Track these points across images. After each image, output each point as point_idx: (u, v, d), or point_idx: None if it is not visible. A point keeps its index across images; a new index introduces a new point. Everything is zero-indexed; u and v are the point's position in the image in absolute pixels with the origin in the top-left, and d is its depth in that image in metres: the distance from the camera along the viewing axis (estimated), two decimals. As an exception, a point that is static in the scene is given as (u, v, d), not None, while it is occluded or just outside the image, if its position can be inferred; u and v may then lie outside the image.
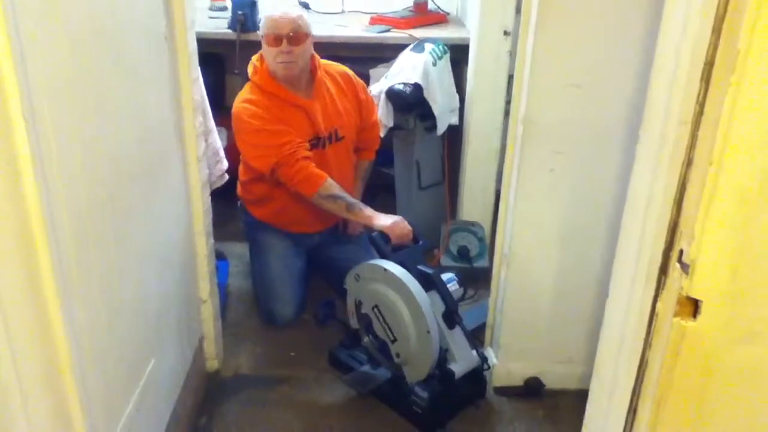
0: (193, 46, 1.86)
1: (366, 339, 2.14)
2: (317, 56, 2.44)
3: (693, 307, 0.93)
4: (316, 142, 2.39)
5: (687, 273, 0.91)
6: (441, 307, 2.01)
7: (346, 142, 2.50)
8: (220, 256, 2.41)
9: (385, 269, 2.03)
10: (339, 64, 2.53)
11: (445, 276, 2.09)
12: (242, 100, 2.35)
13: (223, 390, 2.17)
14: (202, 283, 2.08)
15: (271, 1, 3.13)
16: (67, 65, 1.12)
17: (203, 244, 2.03)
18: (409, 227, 2.25)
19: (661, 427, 1.03)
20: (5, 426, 0.96)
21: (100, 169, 1.27)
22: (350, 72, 2.53)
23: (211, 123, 2.23)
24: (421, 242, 2.26)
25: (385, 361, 2.10)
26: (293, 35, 2.29)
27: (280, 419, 2.07)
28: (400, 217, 2.29)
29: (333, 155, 2.45)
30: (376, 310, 2.07)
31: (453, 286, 2.08)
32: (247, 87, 2.39)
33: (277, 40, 2.28)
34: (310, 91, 2.39)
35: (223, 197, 2.46)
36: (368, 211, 2.30)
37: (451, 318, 2.00)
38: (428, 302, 1.96)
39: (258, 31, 2.90)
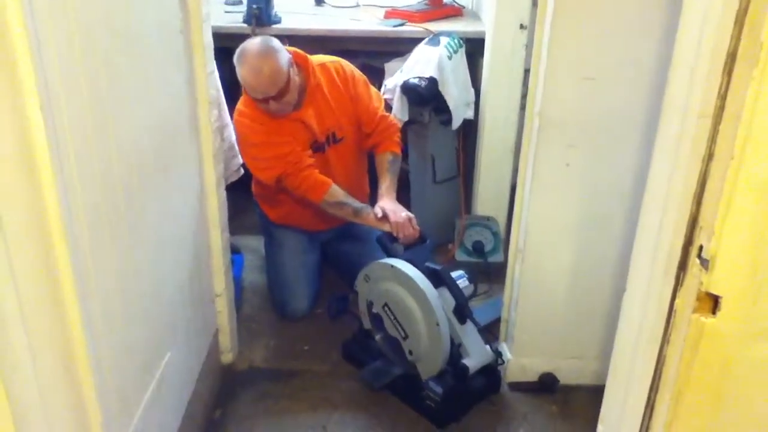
0: (209, 40, 1.87)
1: (378, 338, 2.16)
2: (309, 60, 2.32)
3: (712, 303, 0.92)
4: (316, 147, 2.37)
5: (706, 269, 0.90)
6: (452, 302, 2.01)
7: (346, 142, 2.44)
8: (234, 250, 2.42)
9: (393, 266, 2.05)
10: (331, 56, 2.44)
11: (454, 273, 2.09)
12: (239, 112, 2.31)
13: (238, 383, 2.18)
14: (217, 277, 2.09)
15: (285, -5, 3.14)
16: (82, 58, 1.12)
17: (218, 238, 2.04)
18: (416, 227, 2.26)
19: (678, 423, 1.02)
20: (23, 418, 0.97)
21: (115, 162, 1.27)
22: (343, 62, 2.43)
23: (227, 118, 2.24)
24: (428, 241, 2.27)
25: (399, 360, 2.11)
26: (278, 93, 2.16)
27: (294, 412, 2.08)
28: (408, 215, 2.28)
29: (334, 157, 2.43)
30: (386, 308, 2.08)
31: (463, 283, 2.08)
32: (242, 98, 2.32)
33: (263, 101, 2.19)
34: (302, 99, 2.30)
35: (239, 190, 2.46)
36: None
37: (461, 312, 2.00)
38: (436, 295, 1.97)
39: (273, 25, 2.92)
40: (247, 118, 2.28)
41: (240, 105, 2.32)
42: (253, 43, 2.17)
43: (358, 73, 2.45)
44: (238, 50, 2.18)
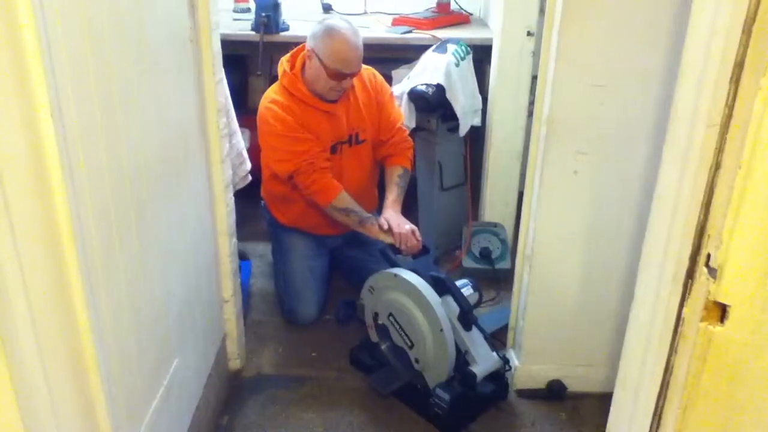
0: (218, 48, 1.88)
1: (384, 348, 2.17)
2: None
3: (720, 311, 0.92)
4: (336, 147, 2.40)
5: (714, 278, 0.90)
6: (456, 310, 2.02)
7: (366, 146, 2.49)
8: (242, 256, 2.43)
9: (396, 275, 2.07)
10: (365, 65, 2.52)
11: (459, 282, 2.11)
12: (269, 100, 2.34)
13: (245, 389, 2.19)
14: (225, 282, 2.09)
15: (293, 4, 3.16)
16: (92, 65, 1.13)
17: (226, 244, 2.05)
18: (419, 238, 2.30)
19: (686, 432, 1.02)
20: (34, 425, 0.98)
21: (124, 168, 1.28)
22: (376, 72, 2.51)
23: (235, 124, 2.25)
24: (431, 252, 2.30)
25: (406, 371, 2.11)
26: (357, 71, 2.30)
27: (302, 418, 2.08)
28: (411, 228, 2.30)
29: (348, 160, 2.45)
30: (391, 318, 2.09)
31: (467, 291, 2.09)
32: (275, 87, 2.37)
33: (341, 76, 2.26)
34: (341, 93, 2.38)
35: (246, 197, 2.47)
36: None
37: (466, 319, 2.00)
38: (438, 301, 1.98)
39: (281, 33, 2.93)
40: (278, 107, 2.31)
41: (273, 94, 2.35)
42: (341, 22, 2.28)
43: (387, 85, 2.53)
44: (322, 26, 2.26)
